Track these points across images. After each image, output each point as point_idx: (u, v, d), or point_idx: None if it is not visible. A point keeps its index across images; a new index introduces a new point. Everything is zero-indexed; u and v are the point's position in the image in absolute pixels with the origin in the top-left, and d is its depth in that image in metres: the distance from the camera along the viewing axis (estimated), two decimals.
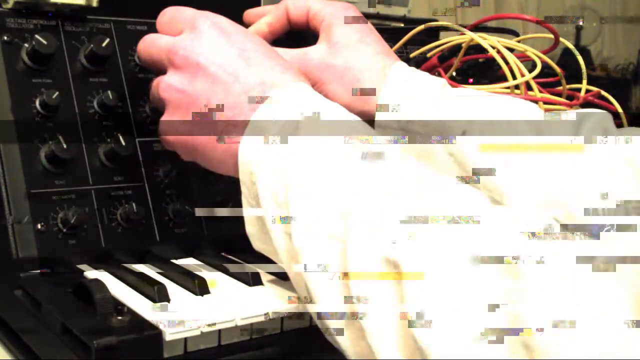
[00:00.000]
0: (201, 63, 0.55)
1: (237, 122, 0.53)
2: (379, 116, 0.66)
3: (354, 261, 0.44)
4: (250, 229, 0.54)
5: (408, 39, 0.84)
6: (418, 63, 0.82)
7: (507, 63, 0.75)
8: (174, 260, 0.63)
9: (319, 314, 0.46)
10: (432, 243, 0.41)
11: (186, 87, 0.55)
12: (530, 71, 0.77)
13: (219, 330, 0.51)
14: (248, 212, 0.53)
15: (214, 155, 0.55)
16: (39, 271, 0.57)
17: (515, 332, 0.36)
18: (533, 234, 0.40)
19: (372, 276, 0.43)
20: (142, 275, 0.58)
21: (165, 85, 0.57)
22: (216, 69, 0.55)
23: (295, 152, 0.50)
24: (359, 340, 0.43)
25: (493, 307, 0.37)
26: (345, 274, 0.44)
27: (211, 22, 0.57)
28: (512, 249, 0.39)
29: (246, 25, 0.69)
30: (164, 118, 0.58)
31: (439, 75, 0.77)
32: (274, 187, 0.50)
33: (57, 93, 0.60)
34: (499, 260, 0.38)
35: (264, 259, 0.55)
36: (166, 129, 0.57)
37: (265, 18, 0.71)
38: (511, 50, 0.79)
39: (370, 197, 0.46)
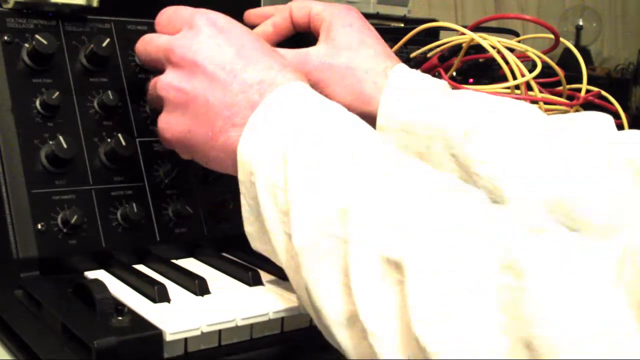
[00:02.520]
0: (199, 61, 0.55)
1: (236, 121, 0.53)
2: (380, 117, 0.66)
3: (355, 261, 0.44)
4: (249, 228, 0.54)
5: (408, 39, 0.84)
6: (418, 63, 0.82)
7: (507, 63, 0.75)
8: (174, 260, 0.63)
9: (319, 314, 0.46)
10: (434, 243, 0.41)
11: (184, 85, 0.55)
12: (530, 71, 0.77)
13: (219, 330, 0.51)
14: (247, 212, 0.53)
15: (212, 153, 0.55)
16: (39, 271, 0.57)
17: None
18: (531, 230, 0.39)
19: (374, 277, 0.43)
20: (142, 275, 0.58)
21: (163, 83, 0.57)
22: (214, 67, 0.55)
23: (295, 153, 0.50)
24: (361, 341, 0.43)
25: (498, 308, 0.37)
26: (347, 275, 0.44)
27: (209, 20, 0.57)
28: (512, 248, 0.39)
29: (247, 25, 0.69)
30: (162, 116, 0.58)
31: (439, 75, 0.77)
32: (273, 187, 0.50)
33: (57, 93, 0.60)
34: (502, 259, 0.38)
35: (264, 259, 0.55)
36: (165, 127, 0.58)
37: (271, 19, 0.71)
38: (511, 50, 0.79)
39: (370, 198, 0.46)
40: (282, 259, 0.50)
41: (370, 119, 0.65)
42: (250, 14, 0.73)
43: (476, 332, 0.37)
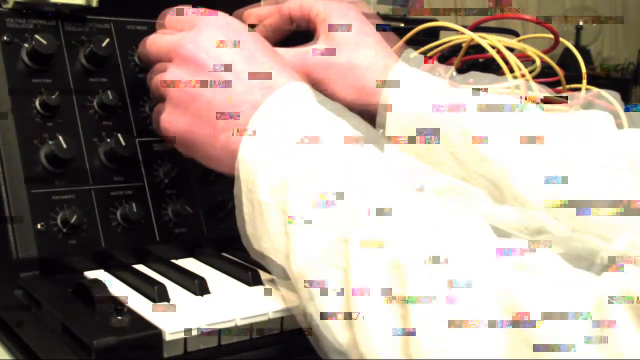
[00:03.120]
0: (201, 60, 0.55)
1: (238, 121, 0.53)
2: (380, 116, 0.66)
3: (356, 262, 0.44)
4: (250, 228, 0.54)
5: (408, 38, 0.84)
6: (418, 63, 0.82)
7: (507, 63, 0.75)
8: (173, 260, 0.63)
9: (321, 314, 0.46)
10: (436, 246, 0.42)
11: (187, 84, 0.56)
12: (530, 71, 0.77)
13: (219, 330, 0.51)
14: (248, 212, 0.53)
15: (213, 152, 0.55)
16: (38, 271, 0.57)
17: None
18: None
19: (375, 277, 0.43)
20: (142, 275, 0.58)
21: (167, 81, 0.57)
22: (217, 67, 0.55)
23: (296, 154, 0.50)
24: (361, 340, 0.43)
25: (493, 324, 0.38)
26: (347, 274, 0.44)
27: (212, 20, 0.57)
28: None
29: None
30: (164, 114, 0.58)
31: (439, 75, 0.77)
32: (274, 188, 0.50)
33: (57, 93, 0.60)
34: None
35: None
36: (166, 125, 0.58)
37: (270, 18, 0.71)
38: (511, 50, 0.79)
39: (372, 201, 0.46)
40: (282, 258, 0.50)
41: (371, 115, 0.66)
42: (250, 13, 0.73)
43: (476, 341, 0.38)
